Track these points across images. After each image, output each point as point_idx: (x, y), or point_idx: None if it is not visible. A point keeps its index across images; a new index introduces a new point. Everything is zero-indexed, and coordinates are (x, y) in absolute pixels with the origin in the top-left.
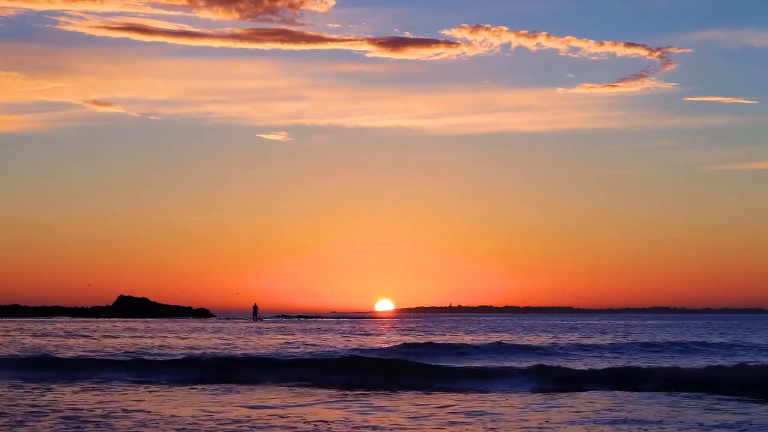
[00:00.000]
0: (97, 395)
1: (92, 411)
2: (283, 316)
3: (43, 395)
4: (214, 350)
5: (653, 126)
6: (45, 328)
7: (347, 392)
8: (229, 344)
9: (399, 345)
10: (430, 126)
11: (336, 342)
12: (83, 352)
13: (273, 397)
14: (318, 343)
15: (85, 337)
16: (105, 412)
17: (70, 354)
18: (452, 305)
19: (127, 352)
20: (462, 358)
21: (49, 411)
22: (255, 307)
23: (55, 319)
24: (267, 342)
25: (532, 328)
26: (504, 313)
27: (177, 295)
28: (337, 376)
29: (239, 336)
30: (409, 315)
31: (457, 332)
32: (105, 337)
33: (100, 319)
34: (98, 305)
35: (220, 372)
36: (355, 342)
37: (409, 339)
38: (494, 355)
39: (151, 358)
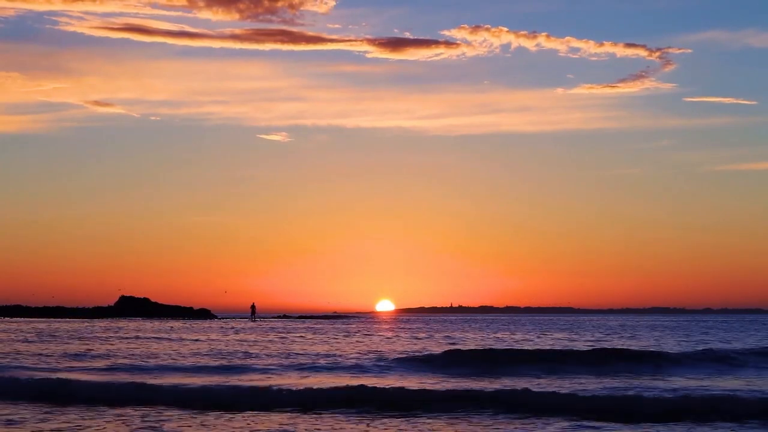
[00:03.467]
0: None
1: None
2: (284, 316)
3: None
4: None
5: (653, 126)
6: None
7: None
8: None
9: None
10: (430, 126)
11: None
12: None
13: None
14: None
15: None
16: None
17: None
18: (453, 305)
19: None
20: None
21: None
22: (253, 307)
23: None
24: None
25: (606, 327)
26: (505, 314)
27: (178, 296)
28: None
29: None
30: (411, 315)
31: (546, 333)
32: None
33: (101, 319)
34: (99, 305)
35: None
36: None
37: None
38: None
39: None
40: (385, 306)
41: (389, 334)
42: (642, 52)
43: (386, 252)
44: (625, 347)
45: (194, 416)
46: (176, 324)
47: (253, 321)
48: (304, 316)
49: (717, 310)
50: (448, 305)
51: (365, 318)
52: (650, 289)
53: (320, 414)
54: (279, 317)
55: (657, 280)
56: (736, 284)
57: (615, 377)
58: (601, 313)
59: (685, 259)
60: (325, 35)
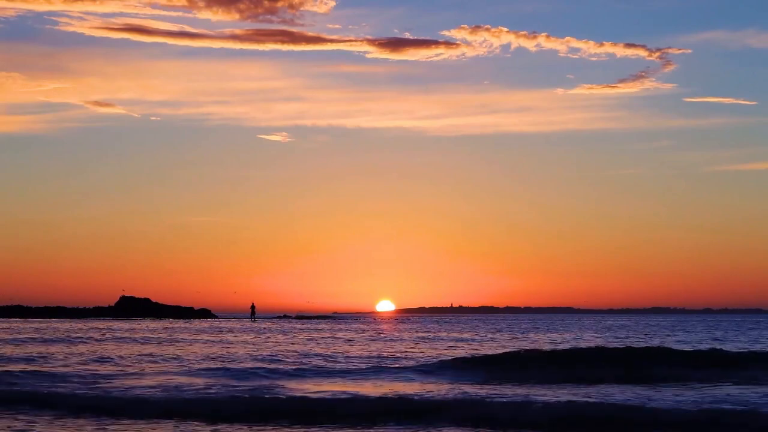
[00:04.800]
0: None
1: None
2: (284, 316)
3: None
4: None
5: (653, 127)
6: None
7: None
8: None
9: None
10: (431, 127)
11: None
12: None
13: None
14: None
15: None
16: None
17: None
18: (453, 305)
19: None
20: None
21: None
22: (252, 307)
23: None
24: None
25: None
26: (505, 314)
27: (179, 296)
28: None
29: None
30: (411, 315)
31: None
32: None
33: (102, 319)
34: (100, 305)
35: None
36: None
37: None
38: None
39: None
40: (385, 306)
41: (466, 334)
42: (642, 53)
43: (386, 252)
44: None
45: None
46: (205, 324)
47: (252, 321)
48: (302, 317)
49: (717, 310)
50: (449, 305)
51: (368, 318)
52: (650, 289)
53: None
54: (278, 317)
55: (657, 280)
56: (736, 284)
57: None
58: (601, 313)
59: (685, 259)
60: (325, 35)
